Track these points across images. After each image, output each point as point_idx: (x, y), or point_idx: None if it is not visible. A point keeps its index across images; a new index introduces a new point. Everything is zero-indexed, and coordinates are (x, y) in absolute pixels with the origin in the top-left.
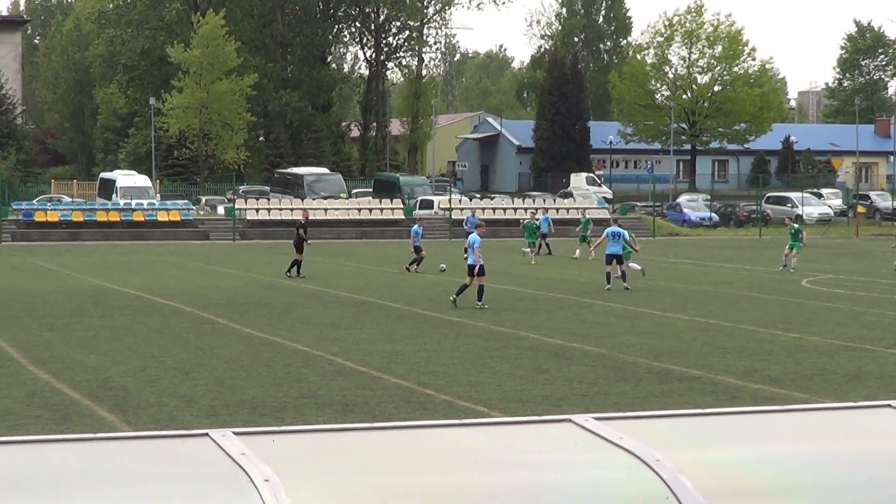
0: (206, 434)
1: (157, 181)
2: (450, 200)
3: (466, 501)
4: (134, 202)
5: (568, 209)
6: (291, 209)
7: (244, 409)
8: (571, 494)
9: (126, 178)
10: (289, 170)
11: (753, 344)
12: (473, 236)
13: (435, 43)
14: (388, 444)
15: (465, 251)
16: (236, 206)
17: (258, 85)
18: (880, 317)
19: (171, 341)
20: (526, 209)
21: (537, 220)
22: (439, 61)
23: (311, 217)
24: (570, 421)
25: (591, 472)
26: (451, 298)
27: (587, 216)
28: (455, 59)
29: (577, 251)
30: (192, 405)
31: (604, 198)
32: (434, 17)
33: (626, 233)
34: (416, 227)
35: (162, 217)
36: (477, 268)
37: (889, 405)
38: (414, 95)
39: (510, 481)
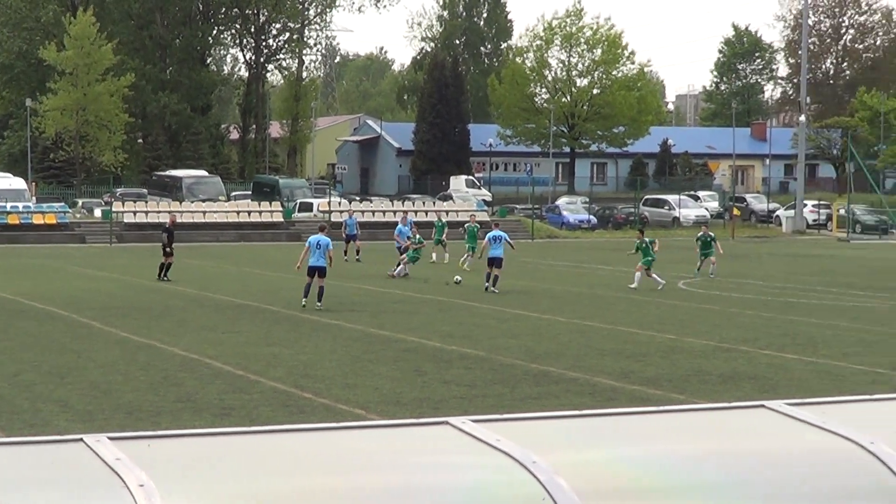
0: (81, 439)
1: (33, 183)
2: (329, 203)
3: None
4: (9, 205)
5: (451, 212)
6: (169, 212)
7: (120, 414)
8: (448, 497)
9: (1, 180)
10: (167, 172)
11: (630, 345)
12: (322, 237)
13: (315, 45)
14: (265, 448)
15: (309, 250)
16: (113, 209)
17: (136, 87)
18: (754, 318)
19: (46, 346)
20: (405, 211)
21: (478, 223)
22: (319, 63)
23: (190, 220)
24: (447, 423)
25: (467, 474)
26: (316, 306)
27: (442, 221)
28: (335, 61)
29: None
30: (67, 410)
31: (483, 200)
32: (315, 20)
33: (506, 235)
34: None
35: (37, 220)
36: (319, 269)
37: (762, 405)
38: (294, 98)
39: (387, 484)
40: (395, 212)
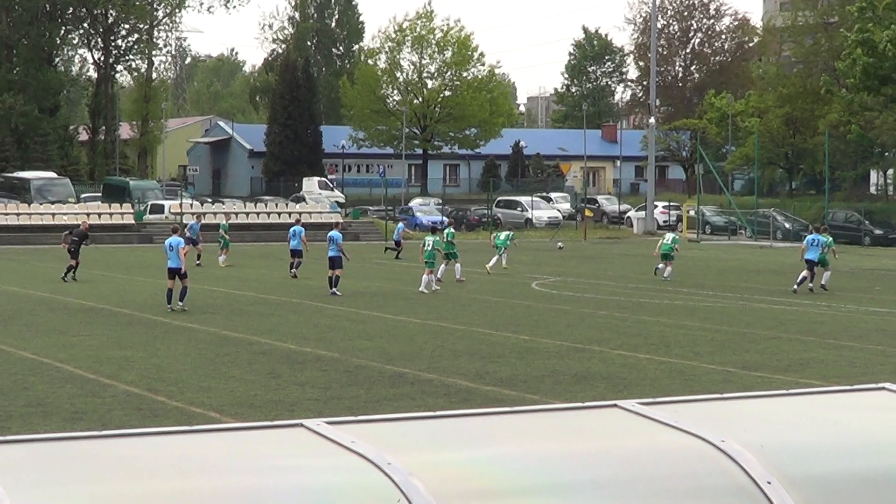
0: None
1: None
2: (181, 205)
3: None
4: None
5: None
6: (17, 214)
7: None
8: (302, 499)
9: None
10: (15, 174)
11: (485, 346)
12: (173, 238)
13: (165, 46)
14: (118, 453)
15: (168, 253)
16: None
17: None
18: (607, 318)
19: None
20: (259, 213)
21: (453, 230)
22: (170, 64)
23: (39, 222)
24: (301, 426)
25: (322, 476)
26: (178, 306)
27: (227, 222)
28: (186, 62)
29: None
30: None
31: (336, 202)
32: (164, 20)
33: (340, 236)
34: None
35: None
36: (182, 270)
37: (615, 405)
38: (144, 99)
39: (240, 487)
40: (247, 213)
